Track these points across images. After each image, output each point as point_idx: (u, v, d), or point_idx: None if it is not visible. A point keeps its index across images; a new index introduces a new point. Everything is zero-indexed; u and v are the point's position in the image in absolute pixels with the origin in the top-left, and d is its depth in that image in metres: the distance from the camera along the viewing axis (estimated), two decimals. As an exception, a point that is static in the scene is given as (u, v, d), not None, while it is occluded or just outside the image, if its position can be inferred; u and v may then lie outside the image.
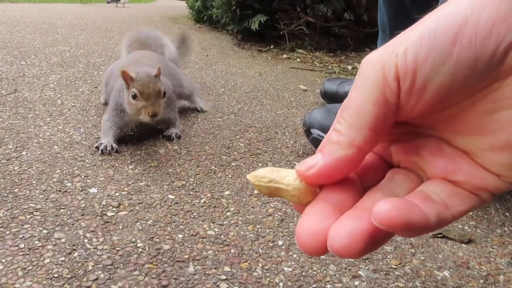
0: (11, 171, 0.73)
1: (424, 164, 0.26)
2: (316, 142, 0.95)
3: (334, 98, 1.45)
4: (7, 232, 0.56)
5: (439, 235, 0.73)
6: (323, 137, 0.98)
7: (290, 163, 0.93)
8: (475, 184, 0.24)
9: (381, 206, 0.19)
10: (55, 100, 1.16)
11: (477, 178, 0.24)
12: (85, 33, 2.57)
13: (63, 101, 1.16)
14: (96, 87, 1.34)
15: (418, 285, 0.59)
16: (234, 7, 2.98)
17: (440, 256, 0.67)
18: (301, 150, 1.02)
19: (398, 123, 0.26)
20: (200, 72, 1.81)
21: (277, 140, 1.07)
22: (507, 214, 0.83)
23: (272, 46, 2.96)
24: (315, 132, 0.95)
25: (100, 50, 2.00)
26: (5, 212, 0.61)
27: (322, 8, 4.37)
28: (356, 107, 0.24)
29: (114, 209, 0.66)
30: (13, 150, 0.81)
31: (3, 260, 0.51)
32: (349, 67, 2.43)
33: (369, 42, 3.23)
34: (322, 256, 0.62)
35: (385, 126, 0.24)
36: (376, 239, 0.21)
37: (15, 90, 1.20)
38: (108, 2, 7.18)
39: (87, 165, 0.79)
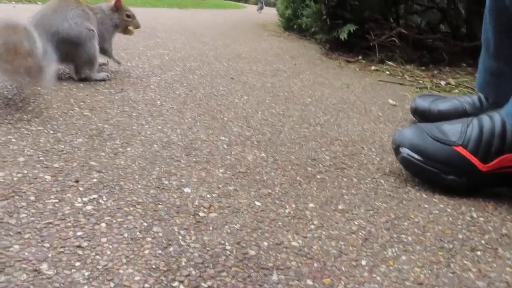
0: (118, 165, 0.81)
1: None
2: (405, 162, 0.92)
3: (425, 116, 1.39)
4: (114, 221, 0.63)
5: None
6: (413, 157, 0.95)
7: (376, 181, 0.91)
8: None
9: None
10: (155, 101, 1.26)
11: None
12: (182, 37, 2.75)
13: (162, 102, 1.26)
14: (191, 91, 1.43)
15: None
16: (324, 17, 2.98)
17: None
18: (388, 168, 0.99)
19: None
20: (288, 81, 1.84)
21: (363, 155, 1.06)
22: None
23: (360, 57, 2.91)
24: (405, 151, 0.92)
25: (196, 55, 2.12)
26: (112, 203, 0.68)
27: (415, 19, 4.19)
28: None
29: (205, 210, 0.70)
30: (119, 145, 0.90)
31: (110, 247, 0.57)
32: (443, 83, 2.30)
33: (466, 57, 3.02)
34: (407, 283, 0.60)
35: None
36: None
37: (122, 89, 1.32)
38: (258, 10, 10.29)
39: (182, 165, 0.85)
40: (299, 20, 3.48)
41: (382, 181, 0.91)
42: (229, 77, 1.75)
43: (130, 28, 1.53)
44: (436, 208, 0.82)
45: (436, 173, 0.89)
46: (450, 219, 0.79)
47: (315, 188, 0.84)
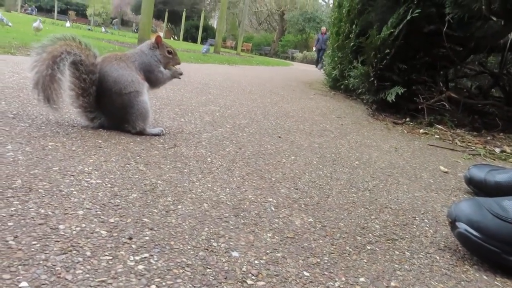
0: (169, 223, 0.82)
1: None
2: (462, 238, 0.88)
3: (481, 187, 1.33)
4: (163, 284, 0.63)
5: None
6: (471, 234, 0.90)
7: (431, 256, 0.86)
8: None
9: None
10: (205, 158, 1.29)
11: None
12: (232, 94, 2.85)
13: (212, 159, 1.29)
14: (240, 148, 1.46)
15: None
16: (372, 78, 3.01)
17: None
18: (443, 243, 0.94)
19: None
20: (335, 142, 1.84)
21: (415, 226, 1.02)
22: None
23: (408, 119, 2.87)
24: (462, 226, 0.87)
25: (245, 112, 2.19)
26: (163, 263, 0.68)
27: (466, 83, 4.12)
28: None
29: (253, 277, 0.69)
30: (171, 202, 0.92)
31: (160, 310, 0.57)
32: (497, 150, 2.21)
33: (522, 123, 2.91)
34: None
35: None
36: None
37: (175, 145, 1.38)
38: (319, 69, 11.29)
39: (231, 227, 0.85)
40: (346, 81, 3.54)
41: (437, 257, 0.87)
42: (277, 136, 1.78)
43: (171, 67, 1.55)
44: (498, 292, 0.76)
45: (497, 252, 0.83)
46: (516, 307, 0.73)
47: (365, 260, 0.81)
